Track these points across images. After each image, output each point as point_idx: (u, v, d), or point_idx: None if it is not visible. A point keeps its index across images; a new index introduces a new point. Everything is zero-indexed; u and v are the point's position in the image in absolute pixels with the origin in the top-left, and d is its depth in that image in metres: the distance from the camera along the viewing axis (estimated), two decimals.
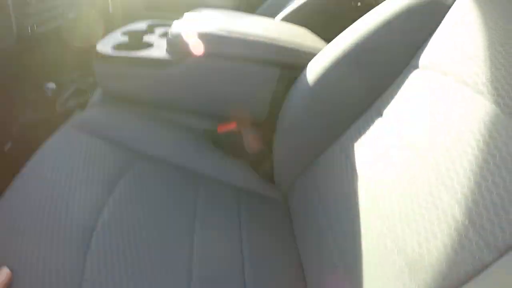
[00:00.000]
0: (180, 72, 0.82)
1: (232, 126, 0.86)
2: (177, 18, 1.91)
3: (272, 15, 1.76)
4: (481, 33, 0.47)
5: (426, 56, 0.55)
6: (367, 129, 0.59)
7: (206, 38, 0.79)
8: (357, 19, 1.42)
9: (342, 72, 0.66)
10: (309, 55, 0.77)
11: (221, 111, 0.89)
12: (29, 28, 1.06)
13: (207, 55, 0.80)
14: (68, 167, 0.65)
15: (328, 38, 1.36)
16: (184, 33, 0.80)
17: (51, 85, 1.20)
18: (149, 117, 0.88)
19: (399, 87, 0.58)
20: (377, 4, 1.51)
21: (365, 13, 1.39)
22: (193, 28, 0.82)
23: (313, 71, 0.70)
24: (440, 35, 0.55)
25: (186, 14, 1.01)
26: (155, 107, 0.90)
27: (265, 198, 0.77)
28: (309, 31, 1.12)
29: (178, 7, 2.01)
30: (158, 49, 0.87)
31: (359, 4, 1.43)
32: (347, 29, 0.70)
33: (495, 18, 0.48)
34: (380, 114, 0.58)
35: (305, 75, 0.71)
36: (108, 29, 1.87)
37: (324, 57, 0.69)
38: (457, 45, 0.50)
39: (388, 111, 0.57)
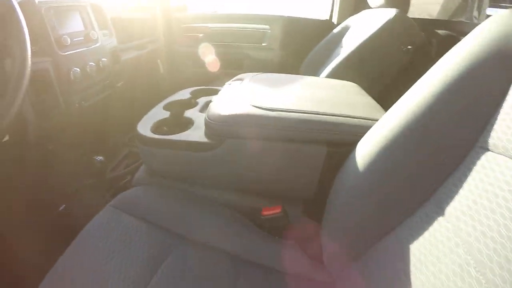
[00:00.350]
0: (220, 154, 0.78)
1: (277, 210, 0.79)
2: (223, 76, 2.00)
3: (316, 64, 1.76)
4: None
5: (498, 135, 0.45)
6: (426, 226, 0.49)
7: (243, 119, 0.75)
8: (406, 64, 1.39)
9: (397, 155, 0.55)
10: (359, 130, 0.69)
11: (265, 191, 0.84)
12: (76, 104, 1.12)
13: (245, 137, 0.75)
14: (109, 249, 0.66)
15: (376, 88, 1.31)
16: (222, 115, 0.76)
17: (100, 158, 1.26)
18: (192, 195, 0.85)
19: (465, 175, 0.47)
20: (428, 44, 1.45)
21: (414, 57, 1.36)
22: (232, 108, 0.77)
23: (364, 152, 0.61)
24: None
25: (226, 84, 1.00)
26: (198, 185, 0.88)
27: (314, 281, 0.70)
28: (357, 86, 1.05)
29: (222, 64, 2.11)
30: (198, 130, 0.85)
31: (409, 47, 1.35)
32: (400, 100, 0.60)
33: None
34: (441, 210, 0.48)
35: (355, 156, 0.63)
36: (160, 89, 1.99)
37: (376, 136, 0.60)
38: None
39: (451, 209, 0.47)
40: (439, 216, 0.48)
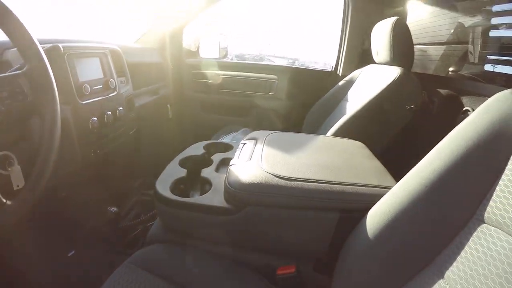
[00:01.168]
0: (239, 218, 0.80)
1: (291, 269, 0.81)
2: (231, 123, 2.00)
3: (320, 116, 1.78)
4: None
5: (492, 210, 0.52)
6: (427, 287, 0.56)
7: (263, 189, 0.78)
8: (408, 122, 1.40)
9: (403, 225, 0.62)
10: (370, 198, 0.73)
11: (280, 251, 0.87)
12: (92, 153, 1.08)
13: (265, 205, 0.79)
14: None
15: (380, 145, 1.34)
16: (241, 184, 0.80)
17: (114, 209, 1.24)
18: (208, 254, 0.85)
19: (462, 243, 0.54)
20: (430, 103, 1.48)
21: (415, 114, 1.38)
22: (250, 177, 0.81)
23: (374, 220, 0.67)
24: (507, 182, 0.52)
25: (241, 144, 1.02)
26: (217, 244, 0.88)
27: None
28: (364, 147, 1.10)
29: (230, 112, 2.13)
30: (216, 193, 0.87)
31: (412, 106, 1.39)
32: (409, 174, 0.66)
33: None
34: (441, 273, 0.55)
35: (365, 223, 0.68)
36: (169, 134, 1.96)
37: (386, 205, 0.66)
38: None
39: (449, 273, 0.53)
40: (439, 279, 0.55)
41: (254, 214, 0.80)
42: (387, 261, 0.62)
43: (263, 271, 0.83)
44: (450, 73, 1.68)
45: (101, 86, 1.14)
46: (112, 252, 1.22)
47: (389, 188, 0.70)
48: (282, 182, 0.79)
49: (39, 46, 0.70)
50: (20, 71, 0.68)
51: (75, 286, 0.81)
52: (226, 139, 1.74)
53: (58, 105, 0.71)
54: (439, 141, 0.64)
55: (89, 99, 1.06)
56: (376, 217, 0.67)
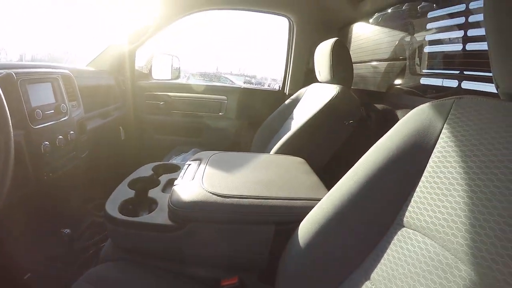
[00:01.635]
0: (183, 234, 0.86)
1: (234, 281, 0.88)
2: (182, 143, 2.03)
3: (270, 132, 1.86)
4: (459, 191, 0.50)
5: (411, 214, 0.57)
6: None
7: (203, 206, 0.84)
8: (348, 137, 1.53)
9: (330, 234, 0.67)
10: (303, 210, 0.79)
11: (224, 264, 0.92)
12: (44, 176, 1.09)
13: (205, 221, 0.85)
14: None
15: (322, 160, 1.48)
16: (184, 202, 0.86)
17: (67, 231, 1.25)
18: (157, 271, 0.89)
19: (385, 246, 0.59)
20: (368, 118, 1.60)
21: (354, 130, 1.51)
22: (191, 195, 0.87)
23: (306, 230, 0.72)
24: (422, 189, 0.57)
25: (186, 165, 1.09)
26: (163, 259, 0.93)
27: None
28: (304, 162, 1.19)
29: (181, 132, 2.19)
30: (162, 212, 0.92)
31: (351, 121, 1.50)
32: (335, 186, 0.72)
33: (472, 170, 0.50)
34: (368, 275, 0.60)
35: (298, 233, 0.74)
36: (121, 156, 1.96)
37: (316, 215, 0.72)
38: (438, 205, 0.52)
39: (374, 274, 0.58)
40: (366, 280, 0.59)
41: (196, 230, 0.85)
42: (320, 267, 0.67)
43: (209, 284, 0.89)
44: (388, 88, 1.78)
45: (52, 110, 1.17)
46: (67, 272, 1.21)
47: (319, 200, 0.75)
48: (219, 199, 0.85)
49: None
50: None
51: None
52: (176, 160, 1.77)
53: (11, 131, 0.74)
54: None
55: (41, 124, 1.08)
56: (307, 227, 0.72)
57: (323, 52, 1.60)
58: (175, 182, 0.96)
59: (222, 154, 1.20)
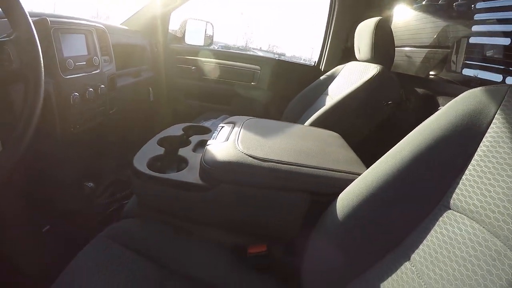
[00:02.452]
0: (212, 196, 0.82)
1: (262, 248, 0.85)
2: (211, 110, 2.02)
3: (302, 107, 1.82)
4: None
5: (458, 197, 0.54)
6: (393, 270, 0.58)
7: (237, 168, 0.81)
8: (385, 118, 1.46)
9: (372, 208, 0.64)
10: (341, 183, 0.75)
11: (252, 231, 0.89)
12: (71, 128, 1.09)
13: (238, 183, 0.81)
14: (100, 280, 0.67)
15: (356, 138, 1.35)
16: (219, 162, 0.82)
17: (90, 184, 1.24)
18: (182, 230, 0.87)
19: (428, 228, 0.57)
20: (407, 101, 1.54)
21: (392, 110, 1.44)
22: (226, 155, 0.83)
23: (344, 203, 0.69)
24: (472, 172, 0.54)
25: (219, 127, 1.04)
26: (190, 221, 0.90)
27: None
28: (340, 137, 1.14)
29: (211, 99, 2.14)
30: (192, 170, 0.88)
31: (389, 102, 1.45)
32: (379, 161, 0.69)
33: None
34: (407, 256, 0.57)
35: (336, 206, 0.70)
36: (149, 117, 1.97)
37: (356, 189, 0.68)
38: (489, 189, 0.50)
39: (415, 255, 0.56)
40: (405, 261, 0.56)
41: (228, 192, 0.81)
42: (356, 243, 0.65)
43: (234, 250, 0.85)
44: (429, 75, 1.73)
45: (84, 62, 1.15)
46: (87, 228, 1.23)
47: (359, 174, 0.72)
48: (256, 162, 0.81)
49: (29, 17, 0.71)
50: (7, 38, 0.70)
51: (49, 260, 0.82)
52: (205, 125, 1.76)
53: (43, 73, 0.73)
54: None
55: (72, 74, 1.06)
56: (345, 200, 0.68)
57: (365, 30, 1.53)
58: (208, 142, 0.93)
59: (257, 120, 1.15)
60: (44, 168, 1.08)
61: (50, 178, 1.11)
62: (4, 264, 0.96)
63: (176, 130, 1.15)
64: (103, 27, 1.32)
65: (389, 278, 0.57)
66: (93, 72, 1.19)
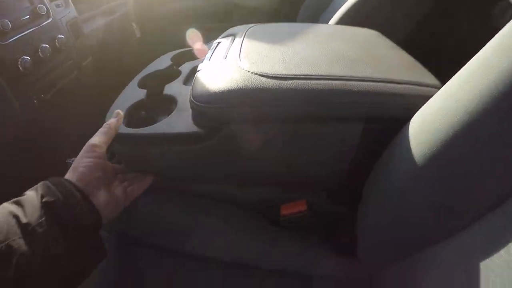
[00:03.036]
0: (217, 144, 0.58)
1: (301, 207, 0.64)
2: (210, 29, 1.78)
3: (318, 9, 1.53)
4: None
5: None
6: (496, 235, 0.36)
7: (244, 96, 0.53)
8: (427, 14, 1.12)
9: (462, 144, 0.38)
10: (410, 101, 0.51)
11: (280, 181, 0.67)
12: (34, 99, 0.95)
13: (250, 120, 0.55)
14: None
15: (398, 37, 0.97)
16: (214, 93, 0.54)
17: (72, 160, 1.09)
18: (187, 197, 0.70)
19: None
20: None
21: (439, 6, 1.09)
22: (227, 80, 0.54)
23: (417, 130, 0.45)
24: None
25: (214, 43, 0.74)
26: (197, 182, 0.71)
27: (347, 280, 0.62)
28: (380, 34, 0.80)
29: (208, 19, 1.88)
30: (183, 113, 0.62)
31: None
32: (464, 69, 0.43)
33: None
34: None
35: (406, 136, 0.46)
36: (138, 58, 1.78)
37: (439, 110, 0.43)
38: None
39: None
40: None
41: (237, 135, 0.56)
42: (438, 193, 0.42)
43: (264, 212, 0.68)
44: None
45: (28, 16, 0.97)
46: None
47: (437, 87, 0.50)
48: (273, 83, 0.52)
49: None
50: None
51: None
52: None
53: None
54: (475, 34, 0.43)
55: (13, 36, 0.89)
56: (421, 127, 0.45)
57: None
58: (199, 67, 0.64)
59: (264, 26, 0.82)
60: (24, 145, 0.97)
61: (28, 163, 1.00)
62: None
63: (162, 62, 0.86)
64: None
65: (491, 243, 0.35)
66: (42, 24, 1.01)
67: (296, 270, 0.62)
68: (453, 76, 0.43)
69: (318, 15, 1.53)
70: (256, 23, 0.90)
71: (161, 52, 0.93)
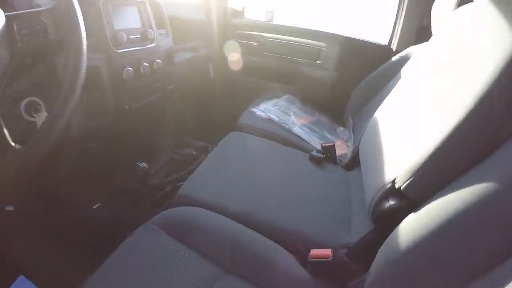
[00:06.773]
0: None
1: (326, 254, 0.75)
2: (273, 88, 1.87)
3: (371, 93, 1.61)
4: None
5: None
6: None
7: None
8: None
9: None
10: None
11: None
12: (125, 105, 1.05)
13: None
14: (150, 269, 0.66)
15: None
16: None
17: (144, 165, 1.20)
18: (236, 225, 0.80)
19: None
20: None
21: None
22: None
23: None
24: None
25: None
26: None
27: None
28: None
29: (274, 77, 2.00)
30: None
31: None
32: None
33: None
34: None
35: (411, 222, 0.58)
36: (209, 94, 1.91)
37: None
38: None
39: None
40: None
41: None
42: (446, 259, 0.48)
43: (294, 251, 0.78)
44: None
45: (138, 36, 1.10)
46: (138, 208, 1.20)
47: None
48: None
49: None
50: (43, 8, 0.64)
51: (96, 237, 0.79)
52: (267, 105, 1.65)
53: (84, 42, 0.65)
54: None
55: (124, 48, 1.01)
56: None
57: (445, 7, 1.26)
58: None
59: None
60: (97, 145, 1.05)
61: (103, 156, 1.09)
62: (52, 237, 0.97)
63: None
64: (156, 0, 1.26)
65: None
66: (148, 46, 1.13)
67: None
68: None
69: (370, 97, 1.61)
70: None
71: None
